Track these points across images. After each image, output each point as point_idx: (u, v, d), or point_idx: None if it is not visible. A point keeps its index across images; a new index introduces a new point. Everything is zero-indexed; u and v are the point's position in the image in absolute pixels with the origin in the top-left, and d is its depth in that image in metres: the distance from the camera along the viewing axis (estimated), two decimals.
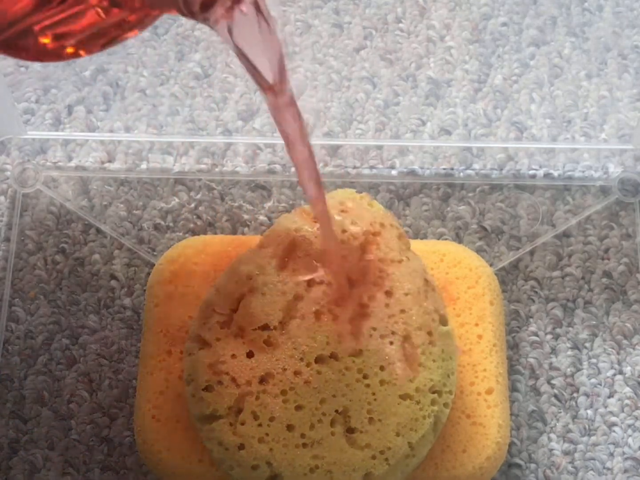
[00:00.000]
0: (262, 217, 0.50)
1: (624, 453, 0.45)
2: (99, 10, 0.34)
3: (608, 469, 0.45)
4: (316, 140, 0.51)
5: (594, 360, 0.47)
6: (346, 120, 0.53)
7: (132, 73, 0.54)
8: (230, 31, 0.33)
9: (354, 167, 0.51)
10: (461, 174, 0.51)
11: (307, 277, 0.40)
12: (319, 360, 0.39)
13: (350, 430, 0.39)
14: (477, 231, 0.50)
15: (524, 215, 0.50)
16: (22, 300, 0.48)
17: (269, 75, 0.34)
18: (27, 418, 0.46)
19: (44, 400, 0.46)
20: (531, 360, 0.47)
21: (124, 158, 0.51)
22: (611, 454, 0.45)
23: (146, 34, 0.54)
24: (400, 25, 0.55)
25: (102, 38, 0.35)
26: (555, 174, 0.51)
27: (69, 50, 0.35)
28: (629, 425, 0.46)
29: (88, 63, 0.54)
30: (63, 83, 0.53)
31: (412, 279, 0.40)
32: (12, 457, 0.45)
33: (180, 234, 0.49)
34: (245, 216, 0.50)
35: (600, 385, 0.47)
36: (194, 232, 0.49)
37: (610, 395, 0.46)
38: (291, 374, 0.39)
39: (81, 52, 0.35)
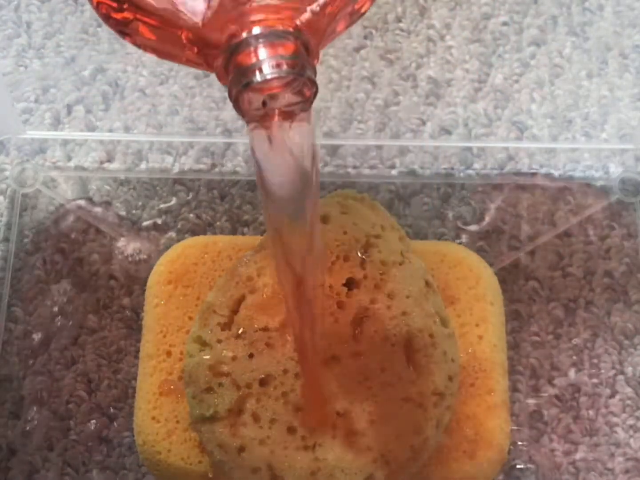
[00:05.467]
0: (262, 217, 0.50)
1: (625, 454, 0.45)
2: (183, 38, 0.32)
3: (609, 469, 0.45)
4: (316, 140, 0.51)
5: (595, 361, 0.47)
6: (346, 120, 0.53)
7: (132, 73, 0.54)
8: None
9: (354, 167, 0.51)
10: (461, 173, 0.51)
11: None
12: (320, 362, 0.39)
13: (351, 433, 0.38)
14: (477, 231, 0.50)
15: (524, 215, 0.50)
16: (21, 300, 0.48)
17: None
18: (26, 418, 0.46)
19: (42, 400, 0.46)
20: (532, 360, 0.47)
21: (123, 158, 0.51)
22: (612, 455, 0.45)
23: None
24: (401, 24, 0.55)
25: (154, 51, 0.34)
26: (556, 173, 0.51)
27: (125, 35, 0.33)
28: (630, 426, 0.46)
29: (87, 62, 0.54)
30: (62, 82, 0.53)
31: (414, 281, 0.40)
32: (11, 457, 0.45)
33: (180, 234, 0.49)
34: (245, 216, 0.50)
35: (602, 385, 0.46)
36: (194, 232, 0.49)
37: (612, 396, 0.46)
38: (292, 376, 0.39)
39: (127, 38, 0.34)
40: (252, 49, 0.32)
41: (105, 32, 0.54)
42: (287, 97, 0.33)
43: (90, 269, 0.49)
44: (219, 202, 0.50)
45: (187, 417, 0.41)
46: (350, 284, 0.40)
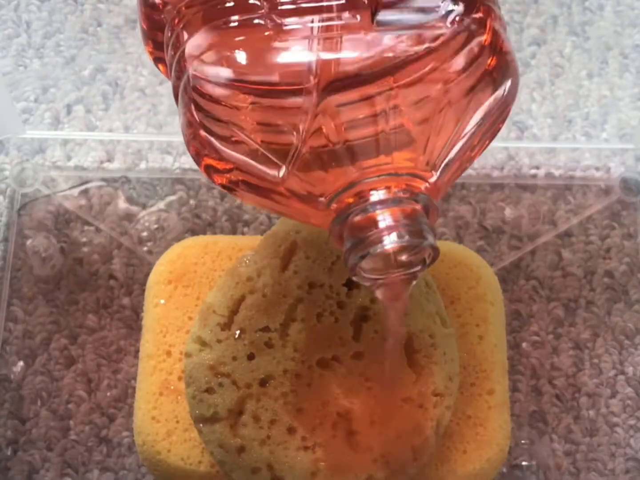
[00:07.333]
0: (262, 217, 0.50)
1: (625, 454, 0.45)
2: (284, 194, 0.32)
3: (610, 469, 0.45)
4: None
5: (595, 361, 0.47)
6: None
7: (132, 72, 0.54)
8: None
9: None
10: None
11: None
12: (320, 362, 0.39)
13: (351, 433, 0.38)
14: (477, 231, 0.49)
15: (525, 214, 0.50)
16: (20, 300, 0.48)
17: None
18: (25, 418, 0.46)
19: (42, 400, 0.46)
20: (533, 360, 0.47)
21: (123, 157, 0.51)
22: (613, 455, 0.45)
23: None
24: None
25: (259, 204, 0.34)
26: (557, 173, 0.51)
27: (228, 190, 0.33)
28: (631, 426, 0.46)
29: (87, 62, 0.54)
30: (62, 82, 0.53)
31: None
32: (11, 457, 0.45)
33: (180, 234, 0.49)
34: (245, 216, 0.50)
35: (602, 385, 0.46)
36: (194, 232, 0.49)
37: (612, 396, 0.46)
38: (292, 377, 0.39)
39: (231, 192, 0.34)
40: (370, 216, 0.30)
41: (105, 32, 0.54)
42: (405, 259, 0.31)
43: (90, 269, 0.49)
44: (219, 202, 0.50)
45: (187, 417, 0.41)
46: (350, 284, 0.40)
